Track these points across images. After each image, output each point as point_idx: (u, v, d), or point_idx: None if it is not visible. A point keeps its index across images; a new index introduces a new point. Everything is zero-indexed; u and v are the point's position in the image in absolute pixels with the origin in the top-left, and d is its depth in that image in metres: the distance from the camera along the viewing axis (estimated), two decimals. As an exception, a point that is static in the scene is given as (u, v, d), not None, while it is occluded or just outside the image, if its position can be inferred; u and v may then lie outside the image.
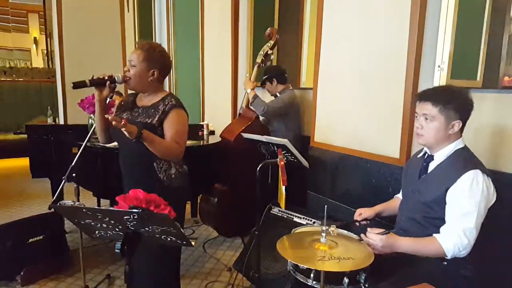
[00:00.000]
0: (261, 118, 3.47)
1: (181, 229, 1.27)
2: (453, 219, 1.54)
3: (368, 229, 1.64)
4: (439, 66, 2.10)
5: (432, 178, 1.66)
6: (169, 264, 2.03)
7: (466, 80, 2.17)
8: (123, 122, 1.66)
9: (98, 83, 1.84)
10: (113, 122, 1.65)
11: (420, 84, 2.20)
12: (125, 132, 1.68)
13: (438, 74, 2.11)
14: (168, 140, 1.87)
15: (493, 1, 2.15)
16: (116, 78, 1.86)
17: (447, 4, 2.05)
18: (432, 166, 1.68)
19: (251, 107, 3.35)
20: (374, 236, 1.57)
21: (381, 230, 1.61)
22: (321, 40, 2.88)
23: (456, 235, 1.50)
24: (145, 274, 1.91)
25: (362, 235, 1.64)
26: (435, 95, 1.63)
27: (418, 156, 1.79)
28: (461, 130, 1.63)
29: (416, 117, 1.67)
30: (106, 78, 1.85)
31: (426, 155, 1.73)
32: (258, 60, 3.40)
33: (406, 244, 1.58)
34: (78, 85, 1.80)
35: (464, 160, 1.59)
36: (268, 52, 3.37)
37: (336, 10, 2.74)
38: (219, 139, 3.59)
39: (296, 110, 3.43)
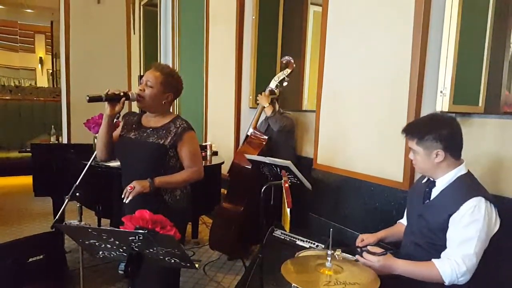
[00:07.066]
0: None
1: (185, 251, 1.27)
2: (453, 244, 1.53)
3: (368, 247, 1.67)
4: (441, 92, 2.11)
5: (435, 204, 1.65)
6: (171, 285, 2.02)
7: (468, 105, 2.19)
8: (131, 187, 1.75)
9: (113, 98, 1.86)
10: (127, 198, 1.75)
11: (422, 109, 2.23)
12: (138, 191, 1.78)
13: (440, 99, 2.13)
14: (186, 163, 1.92)
15: (494, 27, 2.19)
16: (130, 95, 1.89)
17: (448, 30, 2.08)
18: (435, 192, 1.68)
19: (269, 121, 3.32)
20: (371, 257, 1.59)
21: (380, 250, 1.63)
22: (324, 63, 2.93)
23: (454, 260, 1.49)
24: None
25: (357, 256, 1.65)
26: (412, 129, 1.67)
27: (422, 182, 1.78)
28: (454, 157, 1.61)
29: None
30: (122, 94, 1.87)
31: (429, 180, 1.73)
32: (272, 85, 3.39)
33: (403, 265, 1.58)
34: (93, 99, 1.81)
35: (467, 187, 1.58)
36: (286, 79, 3.41)
37: (339, 35, 2.80)
38: (222, 159, 3.59)
39: (295, 131, 3.52)
